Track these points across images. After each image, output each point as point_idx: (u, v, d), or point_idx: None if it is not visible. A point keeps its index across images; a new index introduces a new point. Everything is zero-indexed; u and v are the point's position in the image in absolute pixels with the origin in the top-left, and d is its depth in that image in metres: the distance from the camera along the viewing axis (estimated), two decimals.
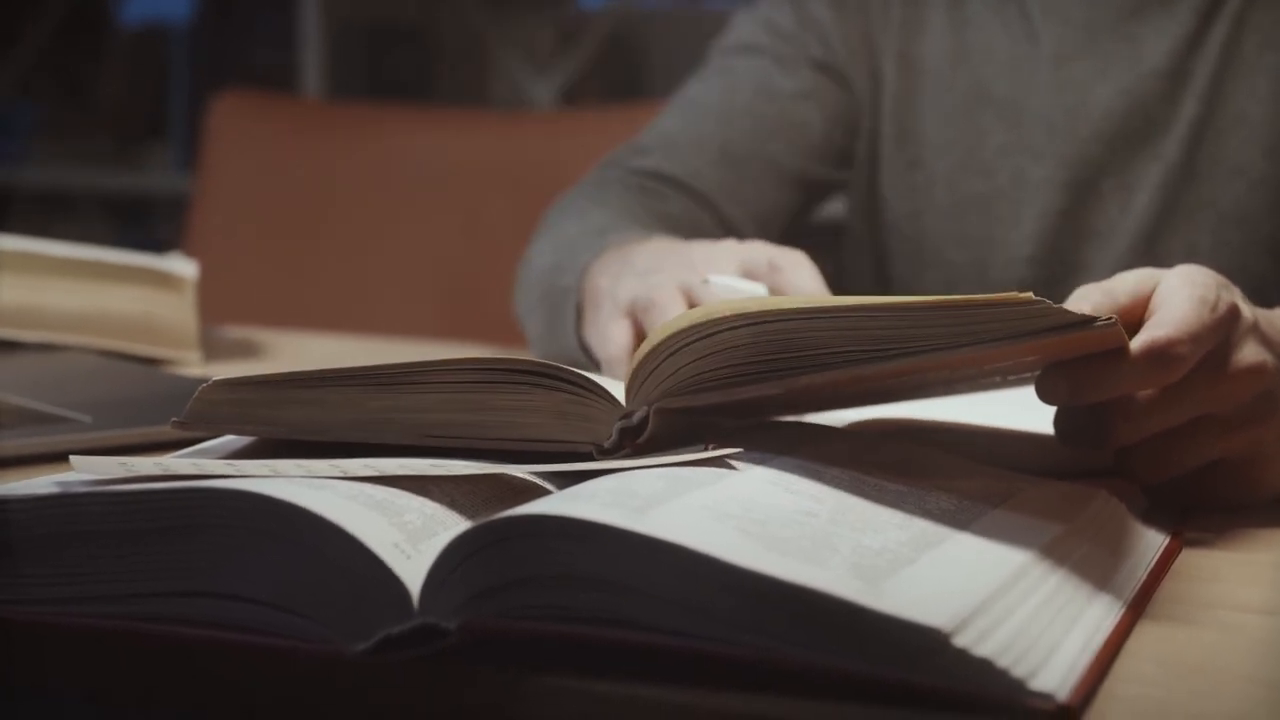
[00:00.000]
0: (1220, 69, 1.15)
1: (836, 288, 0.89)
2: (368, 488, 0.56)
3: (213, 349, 1.21)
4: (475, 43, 2.91)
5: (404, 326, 1.70)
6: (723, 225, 1.22)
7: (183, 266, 1.20)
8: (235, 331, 1.33)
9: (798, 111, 1.25)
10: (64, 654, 0.56)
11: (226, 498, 0.54)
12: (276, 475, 0.57)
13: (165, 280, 1.18)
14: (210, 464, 0.60)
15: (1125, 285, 0.71)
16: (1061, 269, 1.18)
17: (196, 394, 0.65)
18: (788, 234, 1.30)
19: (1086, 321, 0.61)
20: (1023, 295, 0.59)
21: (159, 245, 1.55)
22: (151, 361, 1.15)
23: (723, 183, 1.22)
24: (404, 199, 1.90)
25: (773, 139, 1.24)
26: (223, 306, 1.44)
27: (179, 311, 1.18)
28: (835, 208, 1.41)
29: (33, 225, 1.69)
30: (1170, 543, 0.67)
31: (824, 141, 1.26)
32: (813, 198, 1.29)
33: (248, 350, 1.24)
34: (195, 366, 1.16)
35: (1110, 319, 0.62)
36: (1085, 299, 0.70)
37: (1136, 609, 0.58)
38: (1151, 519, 0.69)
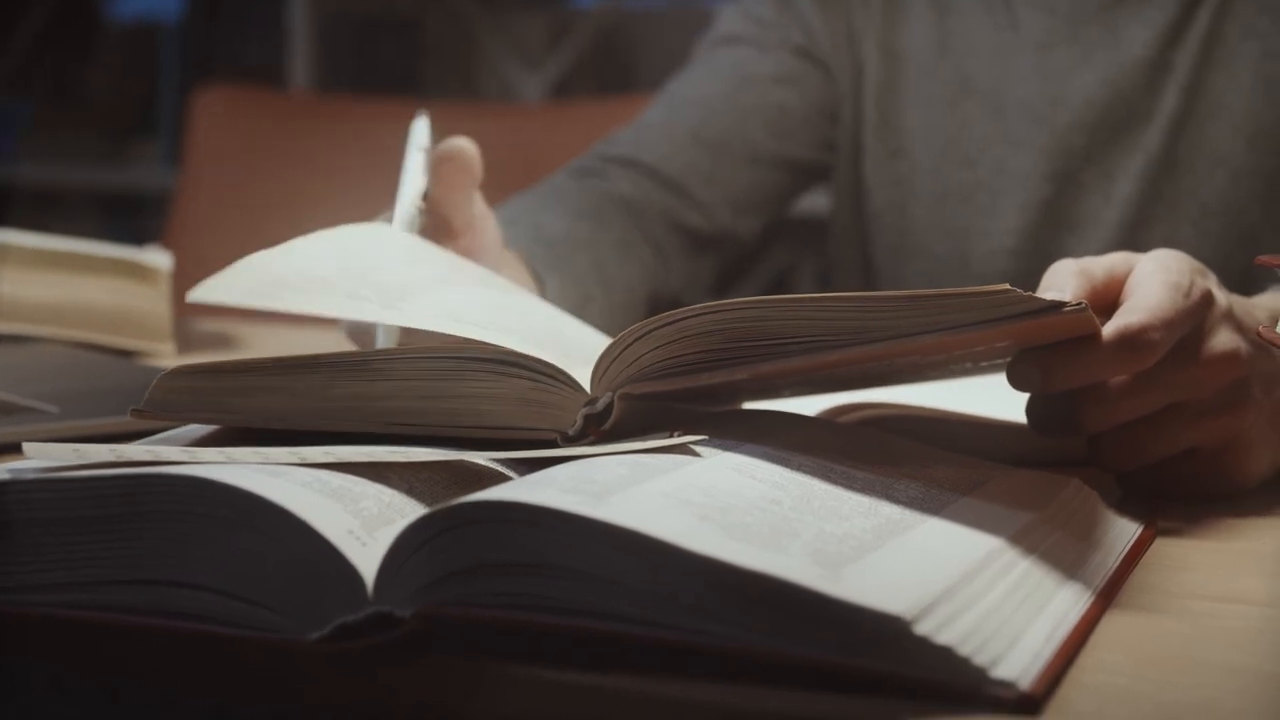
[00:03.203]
0: (1202, 59, 1.14)
1: (824, 278, 0.89)
2: (324, 474, 0.55)
3: (188, 341, 1.21)
4: (465, 37, 2.90)
5: None
6: (695, 209, 1.21)
7: (157, 258, 1.20)
8: (213, 324, 1.32)
9: (776, 94, 1.24)
10: (21, 641, 0.55)
11: (178, 484, 0.53)
12: (231, 462, 0.56)
13: (139, 272, 1.18)
14: (165, 450, 0.59)
15: (1101, 264, 0.70)
16: (1043, 260, 1.16)
17: (155, 382, 0.64)
18: (773, 220, 1.29)
19: (1055, 306, 0.60)
20: (993, 287, 0.58)
21: (146, 241, 1.54)
22: (125, 353, 1.14)
23: (695, 165, 1.21)
24: (390, 192, 1.89)
25: (749, 121, 1.23)
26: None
27: (153, 303, 1.17)
28: (820, 201, 1.41)
29: (23, 222, 1.67)
30: (1143, 532, 0.66)
31: (803, 124, 1.25)
32: (796, 181, 1.28)
33: (223, 342, 1.23)
34: (169, 358, 1.15)
35: (1080, 304, 0.61)
36: (1060, 274, 0.69)
37: (1106, 598, 0.58)
38: (1124, 508, 0.68)
